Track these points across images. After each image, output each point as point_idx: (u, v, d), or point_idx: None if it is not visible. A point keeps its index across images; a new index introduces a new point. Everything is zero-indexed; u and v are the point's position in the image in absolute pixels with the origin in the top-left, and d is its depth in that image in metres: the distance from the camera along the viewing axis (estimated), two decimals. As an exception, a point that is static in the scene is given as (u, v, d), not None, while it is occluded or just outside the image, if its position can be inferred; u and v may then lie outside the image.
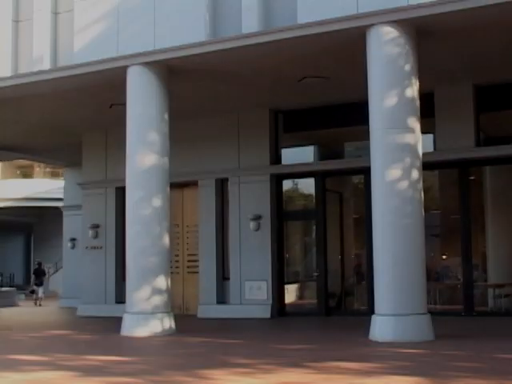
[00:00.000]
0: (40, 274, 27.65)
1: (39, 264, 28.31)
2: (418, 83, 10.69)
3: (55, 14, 13.90)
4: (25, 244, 42.41)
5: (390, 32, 10.57)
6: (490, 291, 14.84)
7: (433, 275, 15.40)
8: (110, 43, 12.80)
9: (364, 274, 15.58)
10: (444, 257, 16.19)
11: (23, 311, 21.22)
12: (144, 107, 12.42)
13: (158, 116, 12.42)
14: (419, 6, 10.35)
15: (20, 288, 31.28)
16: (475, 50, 12.02)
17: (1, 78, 13.80)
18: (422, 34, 10.76)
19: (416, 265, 10.36)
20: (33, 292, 27.35)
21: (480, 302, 14.64)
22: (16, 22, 14.29)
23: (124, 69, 12.54)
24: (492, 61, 12.68)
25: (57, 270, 35.30)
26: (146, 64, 12.38)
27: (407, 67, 10.57)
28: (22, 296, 28.61)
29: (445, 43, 11.52)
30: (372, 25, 10.67)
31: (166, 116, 12.54)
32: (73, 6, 13.39)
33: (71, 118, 16.31)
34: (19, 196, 36.67)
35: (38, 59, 13.70)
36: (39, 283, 26.99)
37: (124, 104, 12.68)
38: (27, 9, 14.16)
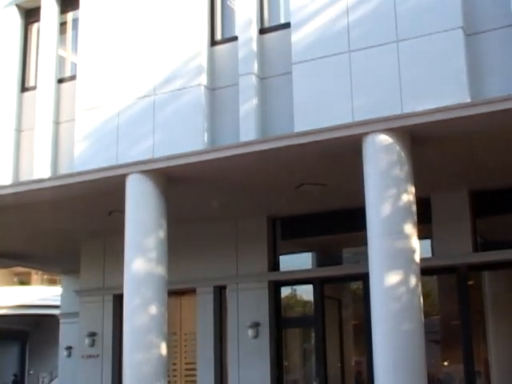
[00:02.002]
0: None
1: (15, 375, 28.30)
2: (413, 189, 10.81)
3: (57, 123, 14.17)
4: (20, 353, 41.74)
5: (385, 140, 10.76)
6: (494, 399, 14.54)
7: (434, 383, 15.11)
8: (109, 152, 13.00)
9: (364, 382, 15.30)
10: (445, 363, 15.92)
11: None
12: (142, 214, 12.50)
13: (156, 223, 12.49)
14: (413, 115, 10.57)
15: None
16: (471, 156, 12.20)
17: (1, 186, 13.94)
18: (417, 141, 10.94)
19: (417, 372, 10.19)
20: None
21: (484, 411, 14.34)
22: (18, 131, 14.56)
23: (123, 177, 12.69)
24: (488, 167, 12.84)
25: (52, 380, 34.64)
26: (145, 172, 12.53)
27: (403, 174, 10.71)
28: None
29: (440, 150, 11.71)
30: (367, 133, 10.86)
31: (164, 223, 12.61)
32: (74, 116, 13.67)
33: (70, 225, 16.37)
34: (15, 303, 36.35)
35: (39, 167, 13.87)
36: None
37: (123, 211, 12.77)
38: (29, 119, 14.45)
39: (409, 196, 10.68)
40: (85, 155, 13.29)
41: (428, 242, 14.28)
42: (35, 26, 15.09)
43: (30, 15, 15.12)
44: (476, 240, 14.13)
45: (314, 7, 11.61)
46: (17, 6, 14.97)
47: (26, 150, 14.35)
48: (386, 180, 10.72)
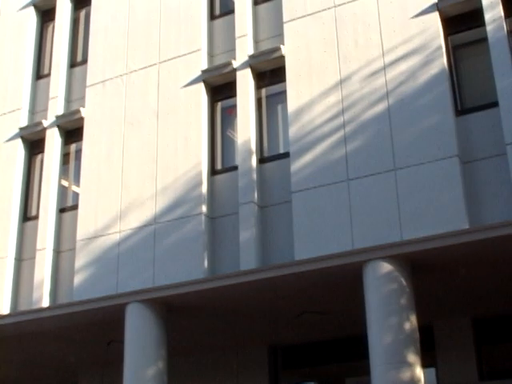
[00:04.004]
0: None
1: None
2: (415, 317, 10.70)
3: (57, 252, 14.21)
4: None
5: (385, 267, 10.74)
6: None
7: None
8: (109, 281, 12.98)
9: None
10: None
11: None
12: (141, 344, 12.31)
13: (156, 353, 12.27)
14: (413, 242, 10.61)
15: None
16: (473, 282, 12.11)
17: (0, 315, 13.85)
18: (418, 267, 10.94)
19: None
20: None
21: None
22: (18, 260, 14.57)
23: (123, 306, 12.59)
24: (490, 294, 12.74)
25: None
26: (145, 301, 12.43)
27: (404, 301, 10.63)
28: None
29: (441, 277, 11.66)
30: (367, 260, 10.86)
31: (164, 352, 12.39)
32: (75, 245, 13.71)
33: (68, 356, 16.09)
34: None
35: (38, 297, 13.80)
36: None
37: (122, 341, 12.59)
38: (30, 248, 14.51)
39: (411, 324, 10.57)
40: (85, 284, 13.25)
41: (432, 370, 13.98)
42: (39, 157, 15.40)
43: (34, 146, 15.46)
44: (482, 368, 13.83)
45: (312, 137, 11.90)
46: (21, 138, 15.33)
47: (26, 279, 14.34)
48: (387, 308, 10.63)
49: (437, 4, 11.79)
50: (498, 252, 10.74)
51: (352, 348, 14.36)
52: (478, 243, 10.36)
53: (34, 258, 14.31)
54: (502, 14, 11.31)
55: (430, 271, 11.22)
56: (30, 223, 14.84)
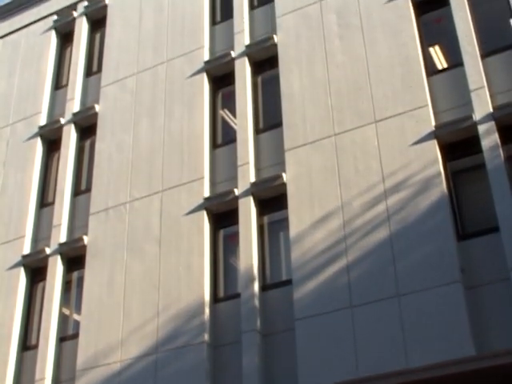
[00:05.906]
0: None
1: None
2: None
3: (56, 383, 13.93)
4: None
5: None
6: None
7: None
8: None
9: None
10: None
11: None
12: None
13: None
14: (419, 370, 10.39)
15: None
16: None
17: None
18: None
19: None
20: None
21: None
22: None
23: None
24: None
25: None
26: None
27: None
28: None
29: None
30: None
31: None
32: (74, 375, 13.46)
33: None
34: None
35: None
36: None
37: None
38: (29, 378, 14.21)
39: None
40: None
41: None
42: (40, 284, 15.33)
43: (36, 274, 15.41)
44: None
45: (314, 264, 11.90)
46: (24, 265, 15.31)
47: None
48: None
49: (434, 132, 12.05)
50: (507, 378, 10.52)
51: None
52: (485, 370, 10.16)
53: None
54: (499, 141, 11.56)
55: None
56: (29, 352, 14.60)
